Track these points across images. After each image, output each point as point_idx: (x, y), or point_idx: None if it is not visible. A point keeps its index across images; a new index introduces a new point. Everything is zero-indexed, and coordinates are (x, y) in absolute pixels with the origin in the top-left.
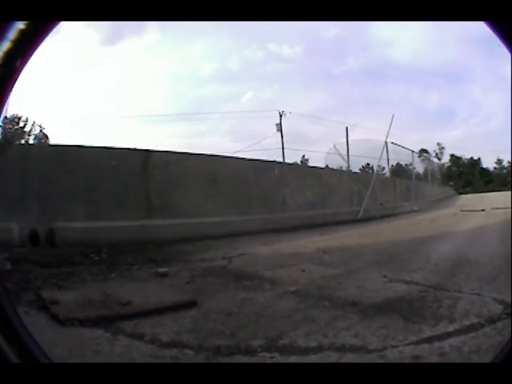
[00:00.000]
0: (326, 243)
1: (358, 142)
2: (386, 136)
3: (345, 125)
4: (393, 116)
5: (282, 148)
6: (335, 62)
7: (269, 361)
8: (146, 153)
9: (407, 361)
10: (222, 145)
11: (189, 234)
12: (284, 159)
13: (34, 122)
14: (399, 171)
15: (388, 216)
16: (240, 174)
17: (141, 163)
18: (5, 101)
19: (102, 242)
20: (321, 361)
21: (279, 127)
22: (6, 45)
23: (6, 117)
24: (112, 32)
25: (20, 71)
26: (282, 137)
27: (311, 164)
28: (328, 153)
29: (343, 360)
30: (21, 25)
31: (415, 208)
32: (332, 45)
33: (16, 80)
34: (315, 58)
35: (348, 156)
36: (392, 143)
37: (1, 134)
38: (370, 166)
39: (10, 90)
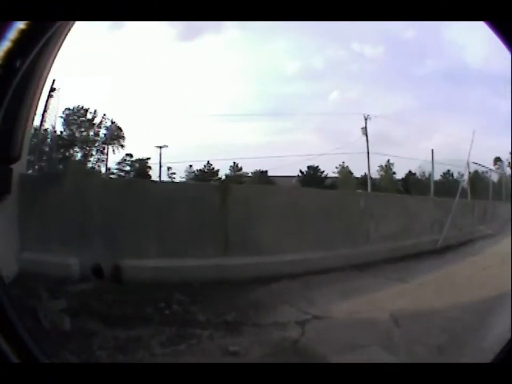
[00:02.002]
0: (402, 302)
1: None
2: (468, 156)
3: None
4: (474, 132)
5: (368, 154)
6: (414, 63)
7: None
8: (226, 188)
9: None
10: (307, 144)
11: (266, 273)
12: (368, 164)
13: (104, 115)
14: (476, 181)
15: (465, 243)
16: (323, 206)
17: (220, 197)
18: (5, 98)
19: (174, 282)
20: None
21: (365, 131)
22: (6, 45)
23: (69, 108)
24: (188, 27)
25: (20, 71)
26: (367, 141)
27: (395, 169)
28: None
29: None
30: (21, 25)
31: (490, 232)
32: (410, 46)
33: (15, 80)
34: (395, 59)
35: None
36: (474, 163)
37: (64, 126)
38: (451, 173)
39: (10, 89)
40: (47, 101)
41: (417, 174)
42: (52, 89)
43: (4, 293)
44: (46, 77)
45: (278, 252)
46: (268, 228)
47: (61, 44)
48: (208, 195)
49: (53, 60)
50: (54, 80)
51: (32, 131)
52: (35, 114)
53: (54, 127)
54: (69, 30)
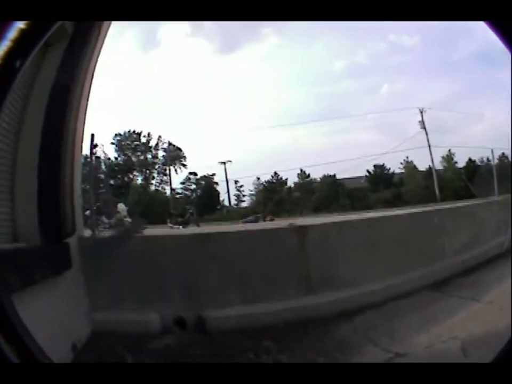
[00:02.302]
0: (472, 326)
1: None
2: None
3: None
4: None
5: (429, 147)
6: (448, 48)
7: None
8: (303, 229)
9: None
10: (367, 143)
11: (349, 307)
12: (431, 157)
13: (160, 137)
14: None
15: None
16: (398, 230)
17: (297, 239)
18: (4, 101)
19: (259, 327)
20: None
21: (423, 125)
22: (6, 44)
23: (119, 134)
24: (224, 40)
25: (20, 71)
26: (427, 134)
27: (455, 158)
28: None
29: None
30: (21, 25)
31: None
32: (441, 32)
33: (15, 80)
34: (430, 46)
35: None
36: None
37: (118, 152)
38: (505, 155)
39: (9, 90)
40: (89, 159)
41: (477, 160)
42: (94, 146)
43: (4, 293)
44: (83, 132)
45: (358, 284)
46: (346, 260)
47: (91, 81)
48: (286, 237)
49: (85, 111)
50: (93, 135)
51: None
52: (73, 178)
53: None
54: (97, 59)
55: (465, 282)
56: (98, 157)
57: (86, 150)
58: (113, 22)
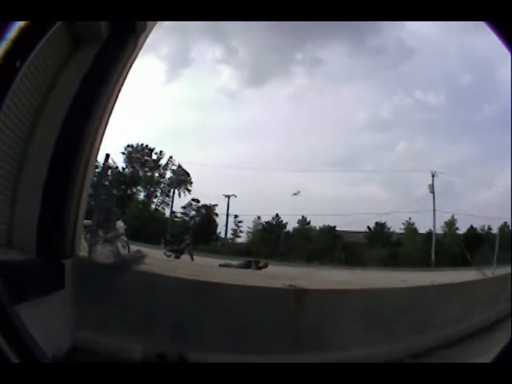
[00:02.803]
0: None
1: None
2: None
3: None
4: None
5: (434, 212)
6: (472, 109)
7: None
8: (301, 292)
9: None
10: (372, 198)
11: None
12: (434, 222)
13: (171, 157)
14: None
15: None
16: (393, 302)
17: (296, 301)
18: (4, 100)
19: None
20: None
21: (432, 189)
22: (6, 44)
23: (132, 146)
24: (254, 72)
25: (19, 71)
26: (434, 199)
27: (458, 224)
28: None
29: None
30: (21, 25)
31: None
32: (468, 91)
33: (14, 80)
34: (455, 106)
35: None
36: None
37: (127, 162)
38: (507, 224)
39: (8, 90)
40: (101, 180)
41: (478, 228)
42: (108, 168)
43: (4, 293)
44: (97, 154)
45: (344, 348)
46: (340, 327)
47: (113, 108)
48: (285, 297)
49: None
50: (108, 155)
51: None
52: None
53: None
54: (128, 69)
55: (445, 354)
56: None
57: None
58: (149, 37)
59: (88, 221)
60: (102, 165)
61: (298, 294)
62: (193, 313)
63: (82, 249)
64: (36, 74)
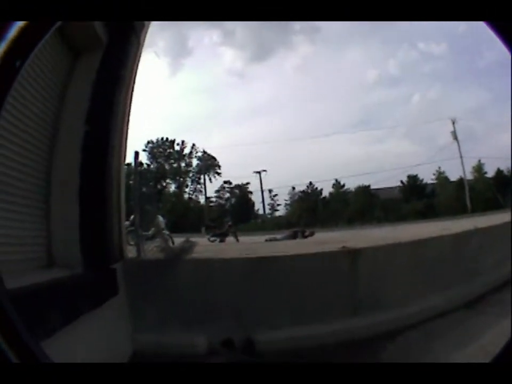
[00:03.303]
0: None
1: None
2: None
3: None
4: None
5: (461, 158)
6: (474, 56)
7: None
8: (354, 252)
9: None
10: (399, 153)
11: (392, 328)
12: (463, 168)
13: (194, 145)
14: None
15: None
16: (441, 251)
17: (348, 263)
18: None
19: (308, 348)
20: None
21: (455, 136)
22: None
23: (152, 141)
24: (257, 49)
25: (20, 71)
26: (459, 145)
27: (486, 168)
28: None
29: None
30: (21, 25)
31: None
32: (467, 40)
33: (15, 80)
34: (458, 53)
35: None
36: None
37: (151, 158)
38: None
39: (9, 89)
40: (135, 179)
41: (505, 171)
42: (139, 164)
43: (4, 293)
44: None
45: (401, 306)
46: (393, 283)
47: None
48: (338, 261)
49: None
50: (137, 153)
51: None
52: (120, 205)
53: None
54: (136, 67)
55: (496, 299)
56: (141, 172)
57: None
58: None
59: (127, 222)
60: (132, 164)
61: (352, 254)
62: (251, 292)
63: (129, 251)
64: (45, 88)
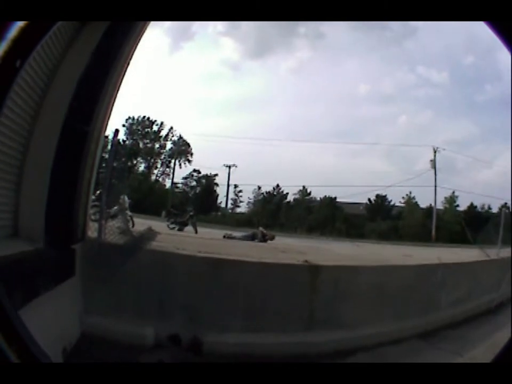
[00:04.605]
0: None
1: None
2: None
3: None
4: None
5: (435, 187)
6: (475, 89)
7: None
8: (315, 269)
9: None
10: (374, 171)
11: (344, 348)
12: (435, 197)
13: (171, 128)
14: None
15: None
16: (401, 279)
17: (309, 278)
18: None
19: (255, 356)
20: None
21: (434, 165)
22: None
23: (132, 118)
24: (258, 45)
25: (20, 71)
26: (435, 174)
27: (458, 200)
28: None
29: None
30: (21, 25)
31: None
32: (470, 71)
33: (15, 80)
34: (458, 84)
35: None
36: None
37: (128, 135)
38: (507, 205)
39: (9, 89)
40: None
41: (478, 207)
42: (117, 143)
43: (4, 293)
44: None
45: (356, 327)
46: (350, 304)
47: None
48: (298, 274)
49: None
50: (117, 131)
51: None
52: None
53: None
54: (136, 46)
55: (452, 335)
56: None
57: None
58: None
59: (93, 196)
60: (111, 141)
61: (314, 270)
62: (207, 293)
63: (93, 228)
64: (40, 52)
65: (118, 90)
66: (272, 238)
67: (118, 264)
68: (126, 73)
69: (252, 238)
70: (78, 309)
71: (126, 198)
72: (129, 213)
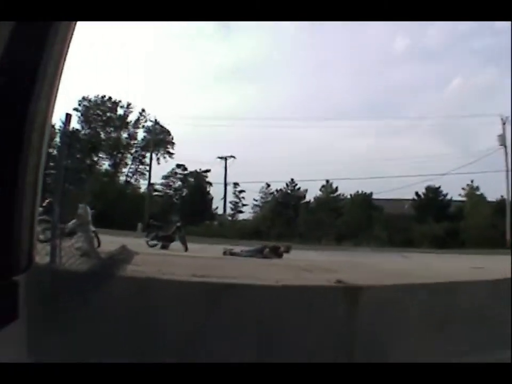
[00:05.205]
0: None
1: None
2: None
3: None
4: None
5: (508, 171)
6: None
7: None
8: (354, 291)
9: None
10: (421, 155)
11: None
12: (509, 185)
13: (143, 111)
14: None
15: None
16: (478, 303)
17: (344, 303)
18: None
19: None
20: None
21: (503, 141)
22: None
23: (88, 99)
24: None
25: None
26: (506, 153)
27: None
28: None
29: None
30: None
31: None
32: None
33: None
34: None
35: None
36: None
37: (83, 122)
38: None
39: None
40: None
41: None
42: (69, 133)
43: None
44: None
45: (403, 356)
46: (404, 335)
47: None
48: (328, 299)
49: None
50: (69, 116)
51: None
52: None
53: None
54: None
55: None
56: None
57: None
58: None
59: (40, 208)
60: (60, 130)
61: (351, 293)
62: (208, 331)
63: (42, 252)
64: None
65: (65, 57)
66: (287, 250)
67: (80, 299)
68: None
69: (261, 253)
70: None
71: (88, 208)
72: (92, 227)
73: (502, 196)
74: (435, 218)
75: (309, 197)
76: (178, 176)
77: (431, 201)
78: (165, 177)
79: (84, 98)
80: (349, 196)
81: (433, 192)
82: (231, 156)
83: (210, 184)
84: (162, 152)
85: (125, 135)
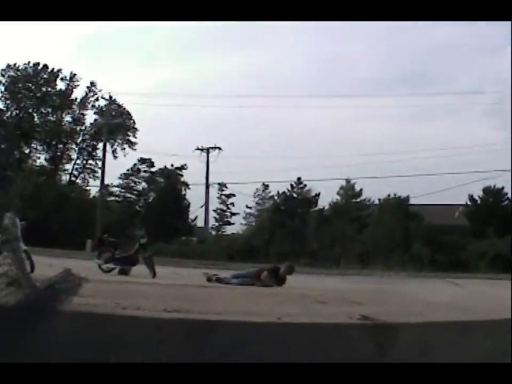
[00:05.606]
0: None
1: None
2: None
3: None
4: None
5: None
6: None
7: None
8: (385, 330)
9: None
10: (477, 142)
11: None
12: None
13: (93, 84)
14: None
15: None
16: None
17: (372, 345)
18: None
19: None
20: None
21: None
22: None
23: (15, 67)
24: None
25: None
26: None
27: None
28: None
29: None
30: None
31: None
32: None
33: None
34: None
35: None
36: None
37: (6, 99)
38: None
39: None
40: None
41: None
42: None
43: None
44: None
45: None
46: None
47: None
48: (351, 340)
49: None
50: None
51: None
52: None
53: None
54: None
55: None
56: None
57: None
58: None
59: None
60: None
61: (380, 332)
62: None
63: None
64: None
65: None
66: (289, 271)
67: (6, 344)
68: None
69: (257, 278)
70: None
71: (16, 219)
72: (23, 245)
73: None
74: (497, 231)
75: (322, 203)
76: (143, 174)
77: (492, 208)
78: (124, 176)
79: (9, 66)
80: (377, 201)
81: (494, 195)
82: (216, 147)
83: (186, 185)
84: (120, 141)
85: (67, 118)
